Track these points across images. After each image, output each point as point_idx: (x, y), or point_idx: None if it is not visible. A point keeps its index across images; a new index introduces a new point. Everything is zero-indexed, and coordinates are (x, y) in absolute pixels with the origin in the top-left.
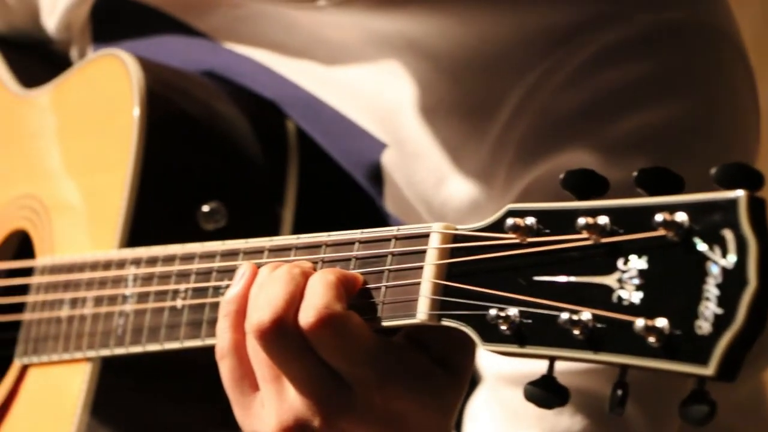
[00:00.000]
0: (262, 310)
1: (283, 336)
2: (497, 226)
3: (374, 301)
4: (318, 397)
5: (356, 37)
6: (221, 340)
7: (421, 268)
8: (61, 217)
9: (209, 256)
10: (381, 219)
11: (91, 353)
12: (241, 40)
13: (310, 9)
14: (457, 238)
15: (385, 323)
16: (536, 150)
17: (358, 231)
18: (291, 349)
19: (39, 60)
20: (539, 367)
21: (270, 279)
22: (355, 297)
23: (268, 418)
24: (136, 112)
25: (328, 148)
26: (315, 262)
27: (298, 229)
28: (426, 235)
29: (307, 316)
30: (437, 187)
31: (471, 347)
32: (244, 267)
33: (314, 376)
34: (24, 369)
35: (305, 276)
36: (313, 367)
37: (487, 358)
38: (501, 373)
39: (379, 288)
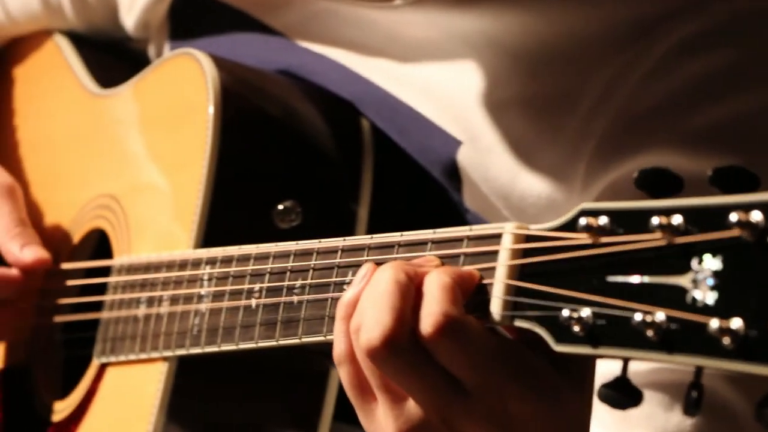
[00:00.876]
0: (371, 332)
1: (396, 355)
2: (570, 225)
3: (486, 298)
4: (436, 406)
5: (432, 34)
6: (338, 345)
7: (493, 269)
8: (138, 216)
9: (283, 255)
10: (460, 215)
11: (168, 353)
12: (315, 38)
13: (386, 8)
14: (529, 238)
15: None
16: (618, 147)
17: (431, 231)
18: (406, 364)
19: (115, 59)
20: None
21: (377, 290)
22: (473, 295)
23: (388, 428)
24: (211, 110)
25: (405, 146)
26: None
27: (373, 228)
28: (498, 236)
29: (425, 325)
30: (512, 182)
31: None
32: (365, 268)
33: (432, 386)
34: (102, 368)
35: (413, 281)
36: (430, 376)
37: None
38: (605, 375)
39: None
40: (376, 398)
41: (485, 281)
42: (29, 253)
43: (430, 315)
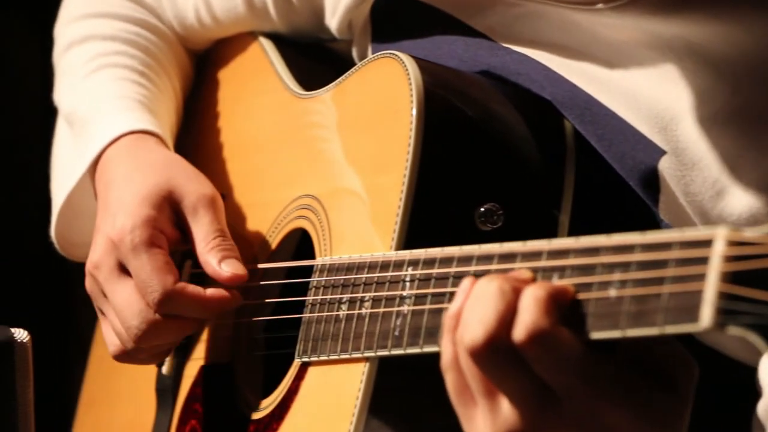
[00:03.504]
0: (475, 330)
1: (495, 354)
2: None
3: (584, 311)
4: (530, 411)
5: (635, 39)
6: (444, 354)
7: (703, 275)
8: (339, 218)
9: (487, 258)
10: (656, 226)
11: (369, 353)
12: (518, 39)
13: (588, 11)
14: (741, 243)
15: (651, 330)
16: None
17: (638, 234)
18: (503, 366)
19: (318, 61)
20: None
21: (481, 296)
22: (569, 308)
23: (486, 429)
24: (414, 112)
25: (604, 152)
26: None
27: (574, 233)
28: (709, 241)
29: (518, 334)
30: (715, 199)
31: (690, 365)
32: (466, 281)
33: (526, 390)
34: (304, 367)
35: (516, 291)
36: (525, 381)
37: None
38: None
39: (587, 300)
40: (476, 403)
41: (695, 287)
42: (227, 268)
43: (523, 323)
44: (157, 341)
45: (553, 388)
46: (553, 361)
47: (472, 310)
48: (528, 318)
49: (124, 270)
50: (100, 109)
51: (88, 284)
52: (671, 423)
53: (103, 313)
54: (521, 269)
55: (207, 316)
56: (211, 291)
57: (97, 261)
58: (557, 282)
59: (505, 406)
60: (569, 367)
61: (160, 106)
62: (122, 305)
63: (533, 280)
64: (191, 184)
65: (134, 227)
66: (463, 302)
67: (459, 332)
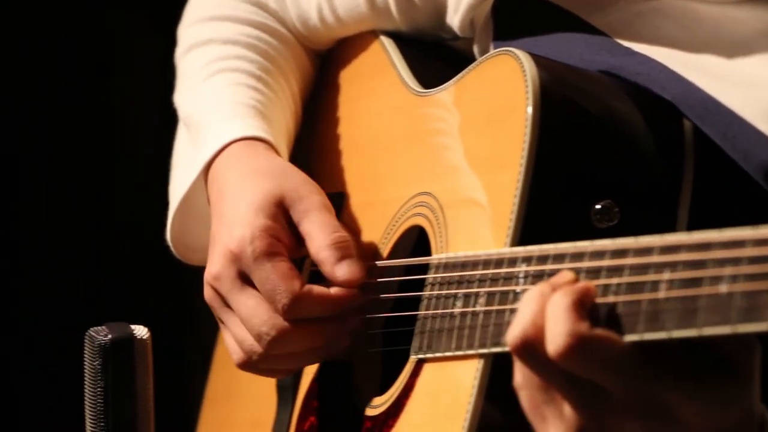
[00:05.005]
0: (514, 330)
1: (531, 357)
2: None
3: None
4: (589, 413)
5: (759, 31)
6: (516, 375)
7: None
8: (455, 215)
9: (598, 254)
10: None
11: (483, 350)
12: (638, 36)
13: (712, 3)
14: None
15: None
16: None
17: (750, 229)
18: (545, 372)
19: (438, 59)
20: None
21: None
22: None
23: None
24: (530, 110)
25: (727, 150)
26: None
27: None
28: None
29: (551, 346)
30: None
31: (752, 345)
32: (528, 302)
33: (579, 395)
34: (419, 364)
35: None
36: (577, 386)
37: None
38: None
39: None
40: (546, 416)
41: None
42: (341, 270)
43: (552, 336)
44: (288, 348)
45: (606, 388)
46: (592, 366)
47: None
48: (557, 329)
49: (246, 280)
50: (214, 115)
51: (208, 295)
52: (742, 407)
53: (224, 324)
54: (564, 272)
55: (334, 313)
56: (335, 289)
57: (218, 273)
58: (667, 277)
59: (566, 408)
60: (610, 366)
61: (275, 111)
62: (249, 314)
63: (574, 281)
64: (301, 189)
65: (253, 238)
66: (527, 325)
67: (545, 348)
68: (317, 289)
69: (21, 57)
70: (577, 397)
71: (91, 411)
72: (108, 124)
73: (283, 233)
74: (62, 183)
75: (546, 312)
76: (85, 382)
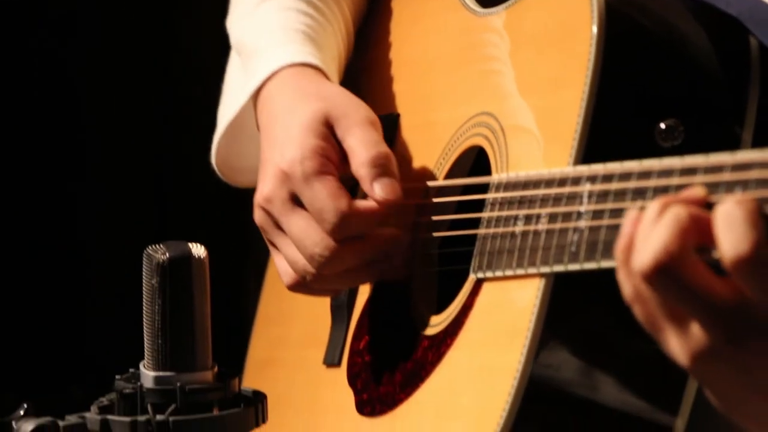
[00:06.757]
0: (645, 256)
1: (665, 277)
2: None
3: None
4: (719, 327)
5: None
6: (625, 289)
7: None
8: (516, 135)
9: (667, 172)
10: None
11: (545, 269)
12: None
13: None
14: None
15: None
16: None
17: None
18: (685, 289)
19: None
20: None
21: (651, 222)
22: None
23: (681, 353)
24: (595, 29)
25: None
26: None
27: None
28: None
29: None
30: None
31: None
32: (627, 215)
33: (710, 307)
34: (479, 283)
35: (691, 218)
36: (706, 295)
37: None
38: None
39: None
40: (665, 329)
41: None
42: (378, 188)
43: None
44: (341, 267)
45: (746, 297)
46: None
47: (645, 238)
48: (730, 241)
49: (297, 201)
50: (264, 41)
51: (259, 218)
52: None
53: (275, 246)
54: (696, 186)
55: (381, 223)
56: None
57: (269, 194)
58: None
59: (693, 325)
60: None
61: (326, 36)
62: (301, 235)
63: (705, 199)
64: (347, 107)
65: (303, 158)
66: (630, 236)
67: (633, 262)
68: (362, 204)
69: None
70: (710, 313)
71: (148, 329)
72: (164, 51)
73: (333, 152)
74: (115, 102)
75: (717, 222)
76: (143, 301)
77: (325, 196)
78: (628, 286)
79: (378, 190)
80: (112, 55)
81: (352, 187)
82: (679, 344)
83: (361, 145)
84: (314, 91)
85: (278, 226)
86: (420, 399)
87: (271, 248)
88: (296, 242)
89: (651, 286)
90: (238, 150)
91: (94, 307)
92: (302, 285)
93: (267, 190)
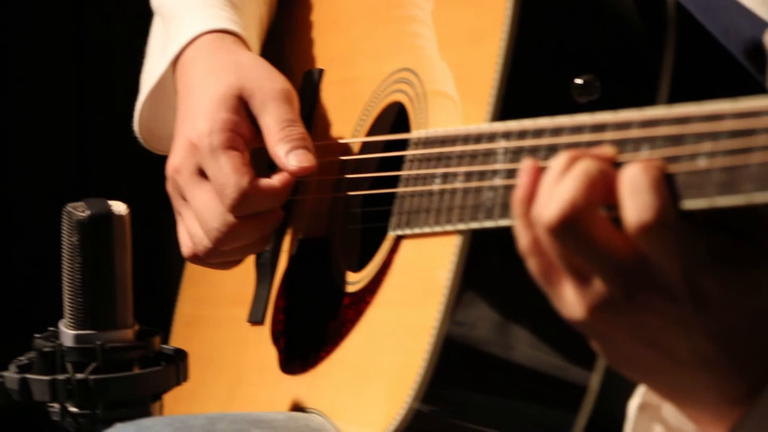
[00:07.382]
0: (553, 209)
1: (571, 230)
2: None
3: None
4: (619, 281)
5: None
6: (521, 241)
7: None
8: (435, 91)
9: (578, 129)
10: None
11: (461, 226)
12: None
13: None
14: None
15: (738, 199)
16: None
17: (729, 101)
18: (592, 241)
19: None
20: None
21: (558, 174)
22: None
23: (577, 305)
24: None
25: (707, 24)
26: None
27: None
28: None
29: (632, 217)
30: None
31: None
32: (524, 166)
33: (612, 262)
34: (397, 241)
35: (601, 173)
36: (614, 251)
37: None
38: None
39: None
40: (562, 281)
41: None
42: (293, 160)
43: (639, 210)
44: (238, 242)
45: (649, 256)
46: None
47: (551, 190)
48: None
49: (203, 174)
50: (182, 3)
51: (169, 187)
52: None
53: (180, 216)
54: (605, 145)
55: (280, 203)
56: (279, 178)
57: (178, 165)
58: (645, 155)
59: (592, 277)
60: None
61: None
62: (201, 208)
63: (614, 158)
64: (262, 81)
65: (212, 131)
66: (530, 184)
67: (535, 214)
68: (263, 182)
69: None
70: (610, 266)
71: (68, 287)
72: (89, 5)
73: (244, 126)
74: (37, 60)
75: (623, 186)
76: (63, 258)
77: (229, 170)
78: (525, 237)
79: (293, 160)
80: (33, 11)
81: (270, 164)
82: (576, 297)
83: (276, 124)
84: (230, 62)
85: (184, 197)
86: (340, 357)
87: (177, 217)
88: (197, 215)
89: (555, 239)
90: (160, 115)
91: (11, 266)
92: (198, 258)
93: (176, 160)
